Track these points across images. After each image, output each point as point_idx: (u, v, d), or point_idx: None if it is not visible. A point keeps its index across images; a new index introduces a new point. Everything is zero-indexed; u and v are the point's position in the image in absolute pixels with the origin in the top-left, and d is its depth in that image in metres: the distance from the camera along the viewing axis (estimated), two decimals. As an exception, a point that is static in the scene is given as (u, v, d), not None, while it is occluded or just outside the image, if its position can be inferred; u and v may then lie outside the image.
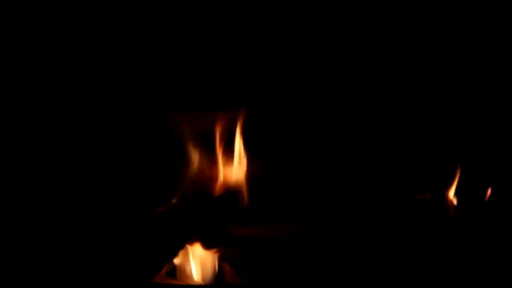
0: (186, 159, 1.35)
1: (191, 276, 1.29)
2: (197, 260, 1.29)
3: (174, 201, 1.32)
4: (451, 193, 1.37)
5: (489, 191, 1.36)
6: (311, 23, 1.40)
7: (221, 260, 1.30)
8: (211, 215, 1.30)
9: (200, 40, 1.39)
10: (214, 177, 1.38)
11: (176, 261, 1.30)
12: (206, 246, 1.28)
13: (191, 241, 1.28)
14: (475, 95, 1.38)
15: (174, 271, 1.31)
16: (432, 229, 1.34)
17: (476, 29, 1.38)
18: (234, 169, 1.37)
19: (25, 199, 1.31)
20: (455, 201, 1.37)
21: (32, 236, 1.26)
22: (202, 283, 1.29)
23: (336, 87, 1.41)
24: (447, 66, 1.39)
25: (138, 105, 1.38)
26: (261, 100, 1.38)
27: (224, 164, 1.39)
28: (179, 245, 1.29)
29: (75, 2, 1.37)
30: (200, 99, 1.39)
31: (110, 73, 1.38)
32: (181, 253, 1.29)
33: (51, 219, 1.29)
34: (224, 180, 1.38)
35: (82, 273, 1.22)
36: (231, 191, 1.32)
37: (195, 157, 1.35)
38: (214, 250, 1.29)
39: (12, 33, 1.35)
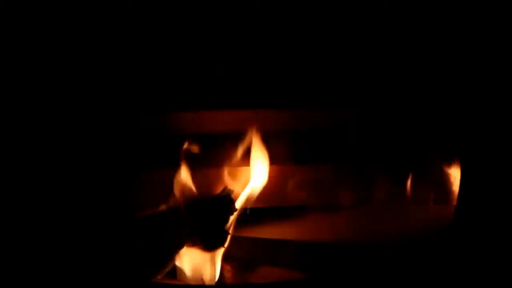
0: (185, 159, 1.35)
1: (191, 276, 1.29)
2: (198, 260, 1.29)
3: (173, 201, 1.32)
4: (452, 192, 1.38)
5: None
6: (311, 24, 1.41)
7: (221, 260, 1.30)
8: (210, 215, 1.29)
9: (200, 40, 1.40)
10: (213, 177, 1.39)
11: (176, 261, 1.29)
12: (206, 246, 1.27)
13: (191, 241, 1.28)
14: (477, 94, 1.38)
15: (174, 271, 1.31)
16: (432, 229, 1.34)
17: (476, 30, 1.38)
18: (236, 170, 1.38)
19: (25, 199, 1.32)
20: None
21: (32, 235, 1.26)
22: (202, 283, 1.28)
23: (337, 86, 1.42)
24: (449, 65, 1.40)
25: (139, 105, 1.39)
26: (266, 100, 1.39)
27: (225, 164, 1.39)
28: (179, 245, 1.28)
29: (75, 3, 1.37)
30: (203, 98, 1.40)
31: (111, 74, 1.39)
32: (181, 253, 1.28)
33: (51, 218, 1.29)
34: (223, 180, 1.39)
35: (82, 273, 1.21)
36: (229, 190, 1.32)
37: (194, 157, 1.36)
38: (213, 250, 1.28)
39: (11, 33, 1.35)
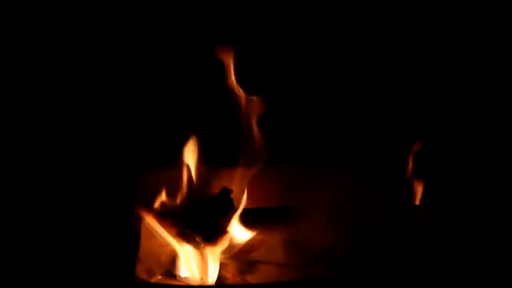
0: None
1: (191, 276, 1.29)
2: (197, 260, 1.29)
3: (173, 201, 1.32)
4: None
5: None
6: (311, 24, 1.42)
7: (221, 260, 1.30)
8: (209, 214, 1.29)
9: (200, 40, 1.40)
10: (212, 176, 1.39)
11: (176, 261, 1.30)
12: (206, 244, 1.27)
13: (191, 240, 1.28)
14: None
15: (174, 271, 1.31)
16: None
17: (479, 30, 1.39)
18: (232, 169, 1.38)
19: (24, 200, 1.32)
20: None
21: (31, 235, 1.26)
22: (202, 283, 1.28)
23: (336, 88, 1.43)
24: (450, 68, 1.41)
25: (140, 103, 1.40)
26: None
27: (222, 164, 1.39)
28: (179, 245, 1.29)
29: (75, 3, 1.37)
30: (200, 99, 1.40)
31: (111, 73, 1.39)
32: (181, 253, 1.29)
33: (52, 218, 1.29)
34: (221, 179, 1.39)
35: (81, 272, 1.21)
36: (228, 189, 1.32)
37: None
38: (210, 246, 1.28)
39: (11, 34, 1.35)
